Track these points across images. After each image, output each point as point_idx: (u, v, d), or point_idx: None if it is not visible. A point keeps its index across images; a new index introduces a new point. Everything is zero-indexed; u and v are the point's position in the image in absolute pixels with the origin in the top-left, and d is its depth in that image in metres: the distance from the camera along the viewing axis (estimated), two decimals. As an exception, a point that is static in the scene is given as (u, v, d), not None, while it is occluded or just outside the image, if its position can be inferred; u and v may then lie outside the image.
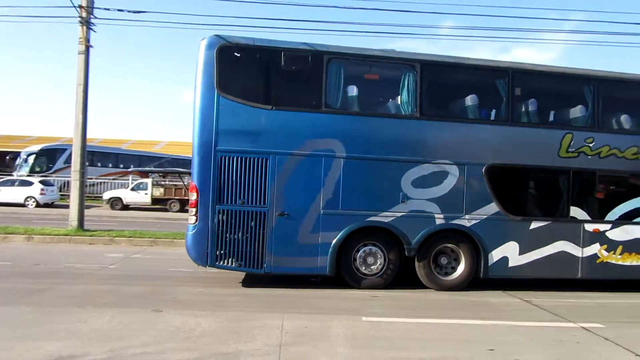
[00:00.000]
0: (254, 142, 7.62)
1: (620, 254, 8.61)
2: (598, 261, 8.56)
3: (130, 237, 13.00)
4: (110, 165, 31.64)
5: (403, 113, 8.18)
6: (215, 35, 7.73)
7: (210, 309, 6.39)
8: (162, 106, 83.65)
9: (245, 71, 7.93)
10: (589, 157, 8.48)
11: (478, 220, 8.19)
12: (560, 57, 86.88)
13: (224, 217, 7.51)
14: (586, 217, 8.58)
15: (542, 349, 5.31)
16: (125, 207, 23.98)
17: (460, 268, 8.29)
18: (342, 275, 8.01)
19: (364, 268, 8.06)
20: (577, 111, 8.79)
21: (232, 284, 8.19)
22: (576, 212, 8.57)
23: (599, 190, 8.78)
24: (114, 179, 28.77)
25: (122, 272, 8.96)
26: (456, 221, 8.15)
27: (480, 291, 8.16)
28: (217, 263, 7.63)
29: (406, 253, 8.05)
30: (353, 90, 8.15)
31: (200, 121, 7.58)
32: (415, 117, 8.09)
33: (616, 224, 8.64)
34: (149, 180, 24.87)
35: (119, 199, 24.17)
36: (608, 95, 8.76)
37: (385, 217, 7.96)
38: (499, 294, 8.11)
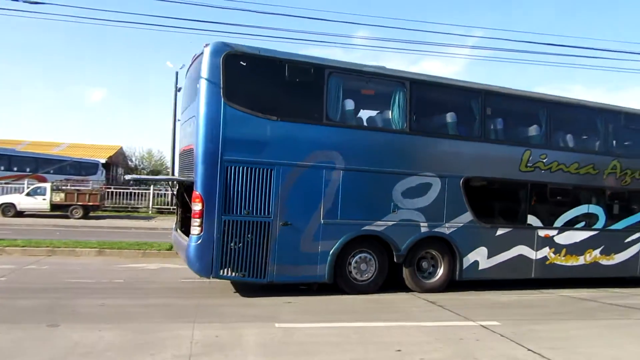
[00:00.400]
0: (260, 153, 7.59)
1: (564, 256, 9.78)
2: (547, 262, 9.63)
3: (24, 246, 11.83)
4: (2, 168, 28.89)
5: (395, 128, 8.56)
6: (221, 42, 7.61)
7: (115, 322, 6.01)
8: (66, 107, 77.75)
9: (250, 80, 7.81)
10: (543, 171, 9.50)
11: (455, 228, 8.85)
12: (463, 71, 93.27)
13: (230, 228, 7.41)
14: (539, 224, 9.61)
15: (444, 347, 5.57)
16: (20, 214, 21.98)
17: (440, 271, 8.90)
18: (337, 282, 8.17)
19: (357, 274, 8.33)
20: (533, 130, 9.77)
21: (138, 295, 7.77)
22: (532, 219, 9.58)
23: (549, 200, 9.86)
24: (6, 183, 26.30)
25: (13, 284, 8.12)
26: (438, 229, 8.74)
27: (389, 294, 8.43)
28: (221, 274, 7.50)
29: (395, 259, 8.45)
30: (351, 104, 8.43)
31: (206, 130, 7.37)
32: (405, 131, 8.53)
33: (561, 229, 9.78)
34: (47, 185, 23.00)
35: (12, 204, 22.03)
36: (558, 117, 9.87)
37: (378, 225, 8.33)
38: (407, 297, 8.41)
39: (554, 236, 9.69)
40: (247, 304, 7.46)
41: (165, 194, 28.20)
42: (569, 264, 9.82)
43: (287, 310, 7.12)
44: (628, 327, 7.07)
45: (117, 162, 44.83)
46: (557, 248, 9.70)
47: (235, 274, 7.58)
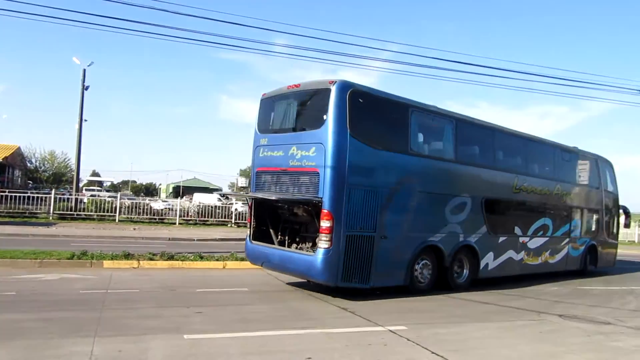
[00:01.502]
0: (369, 177, 9.06)
1: (531, 257, 13.04)
2: (523, 262, 12.78)
3: None
4: None
5: (447, 157, 10.73)
6: (344, 80, 8.81)
7: (4, 338, 5.49)
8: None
9: (364, 115, 9.06)
10: (523, 192, 12.59)
11: (477, 238, 11.27)
12: (378, 82, 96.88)
13: (350, 241, 8.60)
14: (520, 233, 12.68)
15: (353, 353, 5.73)
16: None
17: (466, 272, 11.16)
18: (407, 284, 9.78)
19: (420, 278, 10.09)
20: (518, 160, 12.96)
21: (33, 308, 7.14)
22: (516, 230, 12.61)
23: (526, 214, 13.01)
24: None
25: None
26: (469, 238, 11.07)
27: (303, 302, 8.55)
28: (342, 281, 8.65)
29: (445, 264, 10.46)
30: (422, 137, 10.53)
31: (335, 157, 8.50)
32: (453, 160, 10.75)
33: (531, 237, 13.01)
34: None
35: None
36: (531, 150, 13.41)
37: (436, 237, 10.32)
38: (321, 304, 8.64)
39: (527, 242, 12.87)
40: (155, 315, 7.13)
41: (69, 198, 26.21)
42: (533, 263, 13.13)
43: (198, 320, 6.93)
44: (520, 328, 7.68)
45: (13, 164, 40.68)
46: (528, 251, 12.90)
47: (350, 281, 8.73)
